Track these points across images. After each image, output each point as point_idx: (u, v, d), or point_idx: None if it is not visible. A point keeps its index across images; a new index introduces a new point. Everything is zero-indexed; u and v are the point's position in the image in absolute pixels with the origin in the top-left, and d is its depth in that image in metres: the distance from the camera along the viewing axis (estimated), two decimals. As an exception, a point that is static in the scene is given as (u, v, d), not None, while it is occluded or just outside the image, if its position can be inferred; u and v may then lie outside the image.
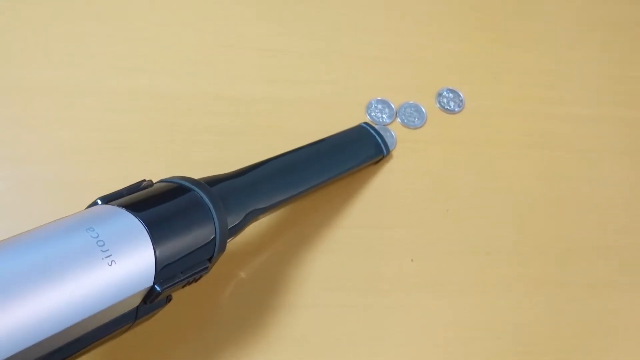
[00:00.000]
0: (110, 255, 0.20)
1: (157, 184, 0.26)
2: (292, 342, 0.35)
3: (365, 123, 0.41)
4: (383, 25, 0.48)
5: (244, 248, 0.37)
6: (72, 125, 0.39)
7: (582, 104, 0.47)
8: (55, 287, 0.18)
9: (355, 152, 0.39)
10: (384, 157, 0.40)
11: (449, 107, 0.44)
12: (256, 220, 0.31)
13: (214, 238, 0.26)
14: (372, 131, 0.40)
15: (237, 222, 0.28)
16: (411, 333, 0.36)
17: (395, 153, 0.42)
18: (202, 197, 0.26)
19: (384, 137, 0.40)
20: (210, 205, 0.26)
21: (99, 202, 0.24)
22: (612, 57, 0.50)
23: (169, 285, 0.23)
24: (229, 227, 0.27)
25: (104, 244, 0.20)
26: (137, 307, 0.22)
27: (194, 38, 0.44)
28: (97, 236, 0.21)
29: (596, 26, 0.51)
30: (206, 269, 0.25)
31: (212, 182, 0.28)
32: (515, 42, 0.49)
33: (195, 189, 0.26)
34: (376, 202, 0.40)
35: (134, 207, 0.23)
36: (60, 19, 0.43)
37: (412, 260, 0.39)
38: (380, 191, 0.41)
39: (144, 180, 0.26)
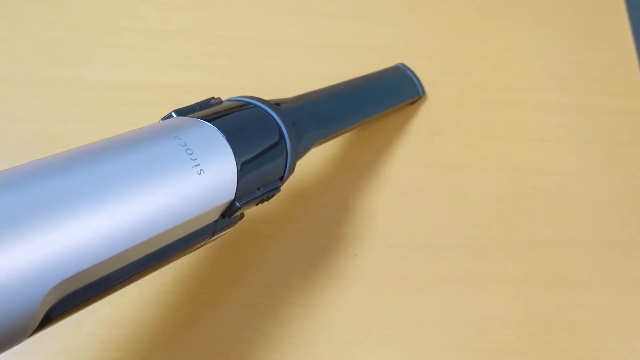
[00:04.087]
0: (199, 164, 0.20)
1: (226, 102, 0.26)
2: (223, 342, 0.33)
3: (402, 64, 0.42)
4: (329, 10, 0.45)
5: None
6: (2, 116, 0.37)
7: (544, 92, 0.45)
8: (143, 195, 0.18)
9: (397, 89, 0.40)
10: (420, 97, 0.42)
11: (399, 95, 0.42)
12: (317, 145, 0.31)
13: (286, 155, 0.26)
14: (408, 72, 0.42)
15: (302, 141, 0.28)
16: (352, 331, 0.35)
17: (336, 142, 0.40)
18: (273, 116, 0.26)
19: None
20: (282, 125, 0.26)
21: (174, 114, 0.23)
22: (575, 42, 0.48)
23: (247, 200, 0.22)
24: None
25: (192, 153, 0.20)
26: (215, 221, 0.22)
27: (129, 24, 0.42)
28: (185, 144, 0.20)
29: (559, 10, 0.49)
30: (278, 189, 0.25)
31: (277, 104, 0.28)
32: (471, 26, 0.47)
33: (264, 106, 0.26)
34: (317, 195, 0.39)
35: (214, 120, 0.23)
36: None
37: (355, 255, 0.37)
38: (322, 183, 0.39)
39: (213, 98, 0.25)
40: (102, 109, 0.39)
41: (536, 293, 0.38)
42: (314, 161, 0.39)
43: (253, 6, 0.44)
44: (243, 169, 0.22)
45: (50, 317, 0.16)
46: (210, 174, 0.20)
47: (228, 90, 0.40)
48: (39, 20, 0.41)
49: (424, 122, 0.42)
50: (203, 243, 0.22)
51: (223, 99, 0.26)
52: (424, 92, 0.42)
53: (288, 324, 0.35)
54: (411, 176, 0.40)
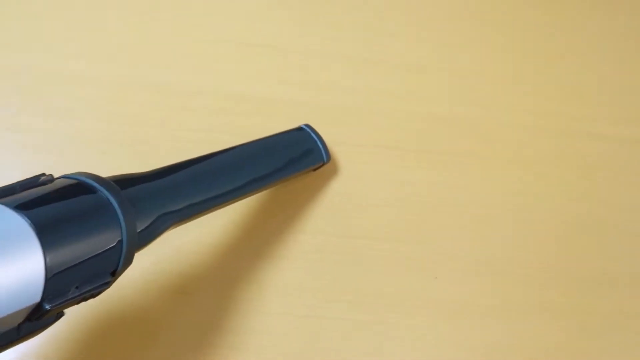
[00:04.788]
0: None
1: (58, 180, 0.23)
2: (297, 354, 0.34)
3: (307, 125, 0.38)
4: (393, 29, 0.44)
5: (232, 251, 0.36)
6: (75, 116, 0.38)
7: (609, 122, 0.44)
8: None
9: (291, 157, 0.36)
10: (323, 164, 0.37)
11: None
12: (173, 227, 0.27)
13: (120, 248, 0.22)
14: (313, 135, 0.37)
15: (148, 230, 0.25)
16: (427, 353, 0.35)
17: (411, 164, 0.40)
18: (108, 199, 0.22)
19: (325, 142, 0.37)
20: (118, 210, 0.22)
21: None
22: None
23: (59, 302, 0.20)
24: (138, 235, 0.24)
25: None
26: (20, 324, 0.19)
27: (186, 33, 0.42)
28: None
29: (624, 36, 0.47)
30: (107, 284, 0.22)
31: (123, 182, 0.24)
32: (534, 52, 0.46)
33: (102, 188, 0.22)
34: (396, 215, 0.39)
35: (25, 207, 0.20)
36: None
37: (435, 278, 0.37)
38: (398, 204, 0.39)
39: (43, 175, 0.22)
40: (183, 116, 0.39)
41: (605, 326, 0.38)
42: (392, 182, 0.39)
43: (330, 23, 0.44)
44: (54, 267, 0.19)
45: None
46: (3, 276, 0.18)
47: (299, 104, 0.40)
48: (131, 28, 0.41)
49: (489, 145, 0.42)
50: (4, 348, 0.19)
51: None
52: (328, 158, 0.37)
53: (364, 339, 0.35)
54: (490, 202, 0.40)
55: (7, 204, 0.19)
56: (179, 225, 0.27)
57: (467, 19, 0.46)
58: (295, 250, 0.36)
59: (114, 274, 0.22)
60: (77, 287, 0.20)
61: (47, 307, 0.19)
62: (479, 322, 0.36)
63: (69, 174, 0.23)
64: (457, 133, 0.41)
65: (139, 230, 0.24)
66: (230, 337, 0.34)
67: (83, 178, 0.23)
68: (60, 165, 0.35)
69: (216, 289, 0.35)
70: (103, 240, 0.22)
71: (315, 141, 0.37)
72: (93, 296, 0.22)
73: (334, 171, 0.39)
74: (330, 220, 0.38)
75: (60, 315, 0.21)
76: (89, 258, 0.21)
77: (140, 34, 0.41)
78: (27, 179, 0.22)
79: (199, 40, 0.41)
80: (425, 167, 0.40)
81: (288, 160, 0.35)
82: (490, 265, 0.38)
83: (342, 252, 0.37)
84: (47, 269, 0.19)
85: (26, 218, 0.19)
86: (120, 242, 0.22)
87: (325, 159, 0.37)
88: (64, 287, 0.20)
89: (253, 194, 0.34)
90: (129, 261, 0.23)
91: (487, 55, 0.45)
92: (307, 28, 0.43)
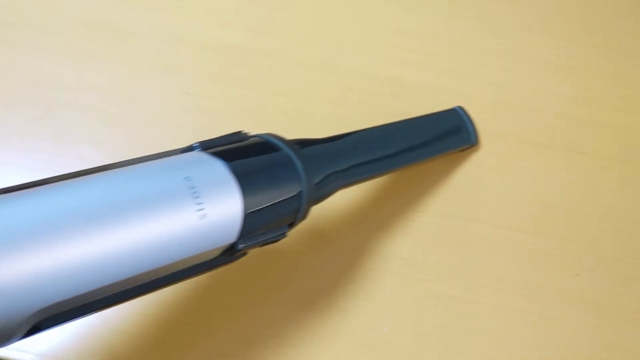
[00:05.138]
0: (203, 208, 0.20)
1: (251, 138, 0.26)
2: (443, 332, 0.34)
3: (460, 107, 0.39)
4: (559, 30, 0.42)
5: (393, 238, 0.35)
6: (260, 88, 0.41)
7: None
8: (139, 233, 0.19)
9: (443, 134, 0.37)
10: (471, 145, 0.38)
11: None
12: (339, 189, 0.29)
13: (300, 198, 0.25)
14: (464, 117, 0.38)
15: (320, 185, 0.26)
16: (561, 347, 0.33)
17: (558, 164, 0.37)
18: (292, 159, 0.25)
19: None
20: (301, 169, 0.25)
21: (196, 147, 0.23)
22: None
23: (249, 243, 0.22)
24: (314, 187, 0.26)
25: (198, 196, 0.20)
26: (215, 257, 0.22)
27: (376, 21, 0.42)
28: (193, 187, 0.20)
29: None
30: (284, 235, 0.25)
31: (301, 143, 0.26)
32: None
33: (285, 147, 0.25)
34: (544, 211, 0.36)
35: (231, 160, 0.22)
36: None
37: (577, 275, 0.33)
38: (539, 199, 0.36)
39: (240, 132, 0.25)
40: (347, 95, 0.40)
41: None
42: (535, 178, 0.36)
43: (491, 18, 0.41)
44: (250, 213, 0.22)
45: (40, 328, 0.17)
46: (213, 218, 0.20)
47: (450, 92, 0.39)
48: (304, 9, 0.43)
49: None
50: (200, 274, 0.22)
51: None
52: (477, 140, 0.38)
53: (502, 324, 0.33)
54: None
55: (212, 154, 0.23)
56: (343, 188, 0.29)
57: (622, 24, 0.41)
58: (419, 229, 0.35)
59: (291, 225, 0.25)
60: (263, 233, 0.23)
61: (240, 246, 0.22)
62: (617, 324, 0.33)
63: (258, 134, 0.26)
64: (614, 139, 0.38)
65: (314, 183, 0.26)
66: (341, 302, 0.34)
67: (270, 138, 0.26)
68: (225, 129, 0.40)
69: (343, 249, 0.36)
70: (287, 190, 0.24)
71: (466, 123, 0.38)
72: (273, 242, 0.25)
73: (477, 158, 0.38)
74: (463, 205, 0.36)
75: (244, 254, 0.24)
76: (275, 210, 0.23)
77: (311, 16, 0.43)
78: (227, 135, 0.25)
79: (361, 24, 0.42)
80: (571, 168, 0.37)
81: (440, 137, 0.37)
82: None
83: (470, 238, 0.35)
84: (245, 210, 0.22)
85: (231, 169, 0.22)
86: (300, 192, 0.25)
87: (474, 141, 0.38)
88: (254, 230, 0.23)
89: (405, 167, 0.36)
90: (305, 215, 0.26)
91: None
92: (467, 21, 0.42)
